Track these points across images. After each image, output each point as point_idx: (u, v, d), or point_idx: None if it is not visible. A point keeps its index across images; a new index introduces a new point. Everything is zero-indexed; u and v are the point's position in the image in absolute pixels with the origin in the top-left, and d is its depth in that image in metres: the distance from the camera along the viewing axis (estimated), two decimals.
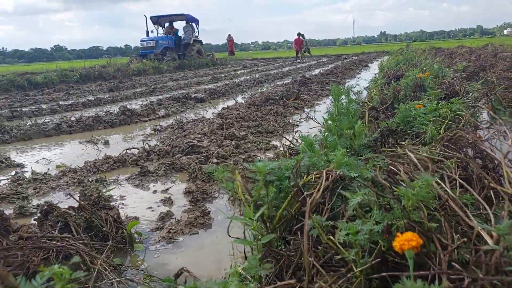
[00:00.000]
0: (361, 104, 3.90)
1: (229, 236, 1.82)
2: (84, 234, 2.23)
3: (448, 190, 1.37)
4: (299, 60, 24.77)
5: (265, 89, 9.85)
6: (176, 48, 22.13)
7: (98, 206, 2.41)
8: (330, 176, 1.56)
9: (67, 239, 1.99)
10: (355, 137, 2.29)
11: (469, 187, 1.57)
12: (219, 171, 1.64)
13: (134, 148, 4.33)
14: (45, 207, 2.09)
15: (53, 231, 2.06)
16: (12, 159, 4.22)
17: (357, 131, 2.30)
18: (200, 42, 24.04)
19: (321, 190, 1.49)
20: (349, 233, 1.21)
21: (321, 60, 24.74)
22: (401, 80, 5.22)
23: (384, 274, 1.17)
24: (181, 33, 23.34)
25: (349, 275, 1.22)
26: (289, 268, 1.39)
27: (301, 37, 25.47)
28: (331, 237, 1.29)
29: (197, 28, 23.87)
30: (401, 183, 1.45)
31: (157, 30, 22.18)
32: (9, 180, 3.51)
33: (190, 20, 23.05)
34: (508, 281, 1.01)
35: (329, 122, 2.56)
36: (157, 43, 21.13)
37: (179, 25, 23.67)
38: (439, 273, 1.08)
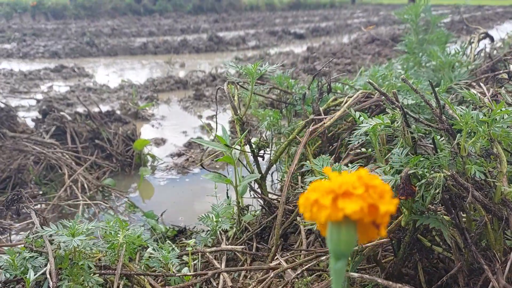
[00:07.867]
0: None
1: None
2: (89, 144, 1.94)
3: None
4: None
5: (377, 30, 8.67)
6: None
7: (112, 117, 2.09)
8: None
9: (54, 146, 1.71)
10: None
11: None
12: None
13: (200, 71, 3.96)
14: (44, 107, 1.81)
15: (45, 135, 1.79)
16: (86, 70, 4.18)
17: None
18: None
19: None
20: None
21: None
22: None
23: None
24: None
25: None
26: None
27: None
28: None
29: None
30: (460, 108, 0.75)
31: None
32: (70, 87, 3.43)
33: None
34: None
35: None
36: None
37: None
38: None
